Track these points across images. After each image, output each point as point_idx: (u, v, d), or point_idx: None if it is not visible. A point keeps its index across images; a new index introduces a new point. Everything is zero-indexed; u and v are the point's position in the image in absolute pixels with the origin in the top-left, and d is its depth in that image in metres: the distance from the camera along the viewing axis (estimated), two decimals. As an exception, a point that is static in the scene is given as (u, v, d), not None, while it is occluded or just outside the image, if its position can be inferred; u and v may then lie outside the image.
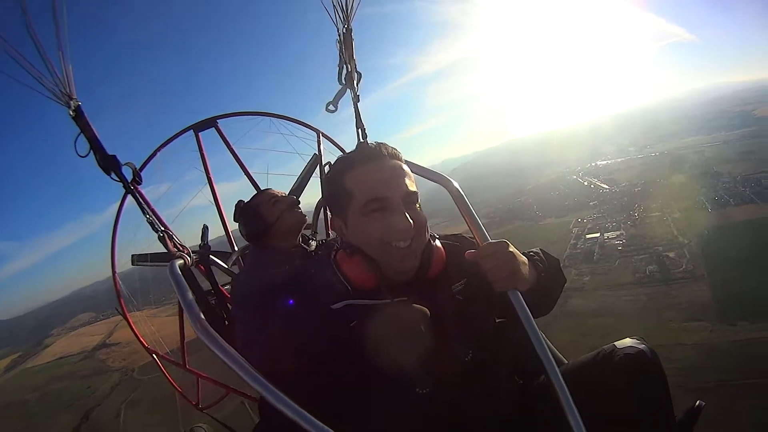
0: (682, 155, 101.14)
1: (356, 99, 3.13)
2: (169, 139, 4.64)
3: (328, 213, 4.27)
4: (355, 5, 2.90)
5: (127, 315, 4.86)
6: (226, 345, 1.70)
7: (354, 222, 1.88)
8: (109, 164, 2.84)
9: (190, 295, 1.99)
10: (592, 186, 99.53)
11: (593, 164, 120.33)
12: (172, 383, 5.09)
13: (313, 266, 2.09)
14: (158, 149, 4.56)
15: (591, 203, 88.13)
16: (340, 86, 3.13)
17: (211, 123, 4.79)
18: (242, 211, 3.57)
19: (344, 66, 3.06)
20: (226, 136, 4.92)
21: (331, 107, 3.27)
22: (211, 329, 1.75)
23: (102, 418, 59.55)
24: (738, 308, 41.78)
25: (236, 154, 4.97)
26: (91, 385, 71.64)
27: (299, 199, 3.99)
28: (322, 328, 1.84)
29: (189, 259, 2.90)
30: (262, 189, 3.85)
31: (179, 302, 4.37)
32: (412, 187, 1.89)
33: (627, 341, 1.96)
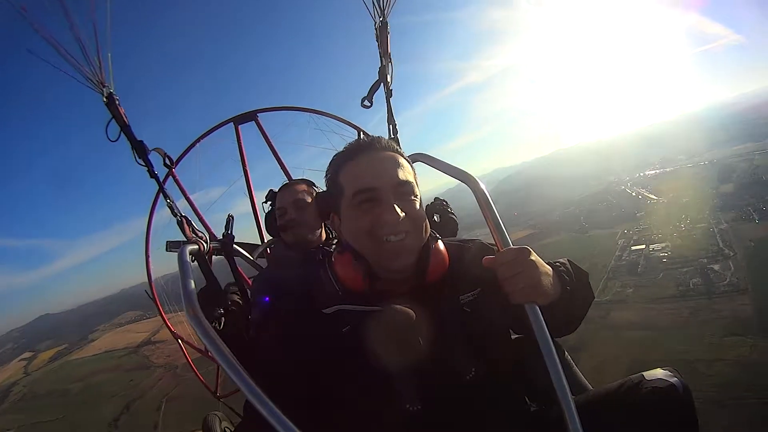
0: (731, 164, 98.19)
1: (389, 94, 3.15)
2: (209, 131, 4.67)
3: None
4: None
5: (157, 299, 4.75)
6: (214, 334, 1.64)
7: (345, 216, 1.81)
8: (137, 149, 2.97)
9: (190, 280, 1.94)
10: (640, 197, 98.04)
11: (642, 174, 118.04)
12: (192, 368, 5.20)
13: (317, 266, 2.01)
14: (198, 140, 4.60)
15: (638, 214, 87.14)
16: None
17: (251, 116, 4.79)
18: (270, 200, 3.62)
19: (380, 60, 3.08)
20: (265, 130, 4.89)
21: (366, 102, 3.30)
22: (203, 317, 1.71)
23: (143, 410, 62.58)
24: None
25: (274, 149, 4.95)
26: (134, 379, 75.28)
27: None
28: (313, 333, 1.77)
29: (204, 245, 2.90)
30: (300, 179, 3.71)
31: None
32: (406, 178, 1.78)
33: (658, 372, 1.71)
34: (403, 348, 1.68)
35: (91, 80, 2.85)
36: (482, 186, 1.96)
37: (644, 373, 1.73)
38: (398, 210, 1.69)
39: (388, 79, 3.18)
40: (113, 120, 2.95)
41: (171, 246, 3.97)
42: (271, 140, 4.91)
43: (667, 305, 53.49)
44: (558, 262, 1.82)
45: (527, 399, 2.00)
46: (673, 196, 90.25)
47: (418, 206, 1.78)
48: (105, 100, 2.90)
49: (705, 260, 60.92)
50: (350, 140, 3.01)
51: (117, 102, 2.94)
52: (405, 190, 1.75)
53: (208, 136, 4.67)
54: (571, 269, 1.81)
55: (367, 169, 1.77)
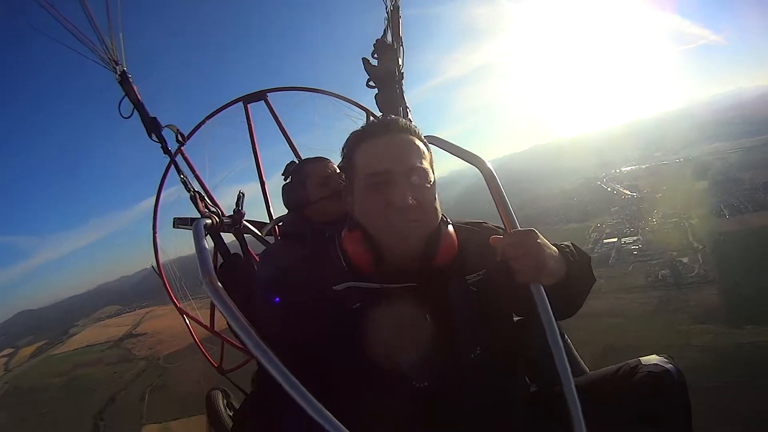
0: (706, 161, 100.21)
1: (401, 77, 3.18)
2: (218, 109, 4.67)
3: None
4: None
5: (163, 273, 4.77)
6: (232, 304, 1.64)
7: (357, 196, 1.86)
8: (150, 126, 3.02)
9: (206, 251, 1.95)
10: (614, 192, 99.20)
11: (617, 170, 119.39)
12: (197, 343, 5.24)
13: (326, 241, 2.06)
14: (207, 118, 4.58)
15: (612, 209, 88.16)
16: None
17: (260, 96, 4.79)
18: (292, 174, 3.57)
19: (392, 43, 3.12)
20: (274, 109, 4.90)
21: (371, 83, 3.31)
22: (219, 285, 1.70)
23: (127, 402, 62.57)
24: (746, 312, 42.83)
25: (284, 128, 4.96)
26: (117, 371, 75.36)
27: None
28: (323, 308, 1.81)
29: (218, 220, 2.96)
30: (320, 157, 3.75)
31: (213, 265, 4.64)
32: (420, 163, 1.82)
33: (653, 358, 1.84)
34: (411, 326, 1.76)
35: (104, 59, 2.97)
36: (492, 169, 2.03)
37: (641, 359, 1.87)
38: (409, 195, 1.75)
39: (400, 63, 3.22)
40: (126, 98, 3.09)
41: (179, 222, 4.09)
42: (280, 120, 4.93)
43: (636, 295, 54.99)
44: (563, 244, 1.88)
45: (528, 379, 2.13)
46: (647, 192, 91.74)
47: (430, 191, 1.85)
48: (118, 78, 3.03)
49: (675, 253, 62.61)
50: (359, 121, 3.33)
51: (130, 80, 3.08)
52: (418, 174, 1.81)
53: (216, 116, 4.67)
54: (575, 251, 1.88)
55: (382, 151, 1.83)
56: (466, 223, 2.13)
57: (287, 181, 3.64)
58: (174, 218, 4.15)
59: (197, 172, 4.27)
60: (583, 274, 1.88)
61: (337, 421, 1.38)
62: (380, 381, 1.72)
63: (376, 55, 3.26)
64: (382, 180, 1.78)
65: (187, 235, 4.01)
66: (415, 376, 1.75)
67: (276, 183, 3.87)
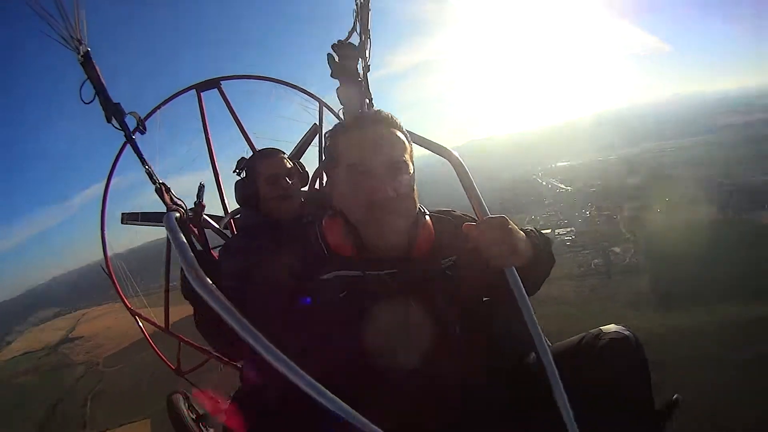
0: (641, 159, 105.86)
1: (367, 69, 3.23)
2: (170, 97, 4.66)
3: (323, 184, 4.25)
4: None
5: (112, 273, 4.83)
6: (224, 298, 1.62)
7: (338, 186, 1.97)
8: (114, 112, 2.89)
9: (186, 244, 1.91)
10: (549, 186, 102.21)
11: (553, 165, 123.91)
12: (152, 346, 5.23)
13: (306, 228, 2.16)
14: (158, 107, 4.56)
15: (546, 202, 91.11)
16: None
17: (214, 83, 4.82)
18: (244, 170, 3.69)
19: (359, 36, 3.18)
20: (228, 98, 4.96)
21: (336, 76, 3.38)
22: (208, 280, 1.68)
23: (69, 410, 59.32)
24: (675, 298, 45.54)
25: (237, 117, 5.03)
26: (55, 378, 71.61)
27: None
28: (312, 298, 1.89)
29: (185, 213, 2.88)
30: (272, 149, 3.83)
31: (166, 261, 4.48)
32: (401, 156, 1.93)
33: (612, 327, 2.00)
34: (397, 311, 1.86)
35: (65, 38, 2.70)
36: (461, 161, 2.25)
37: (601, 328, 2.03)
38: (391, 187, 1.85)
39: (367, 55, 3.22)
40: (88, 81, 2.81)
41: (128, 218, 4.31)
42: (234, 109, 5.00)
43: (568, 283, 56.04)
44: (528, 228, 2.02)
45: (503, 354, 2.21)
46: (582, 186, 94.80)
47: (410, 183, 1.95)
48: (81, 59, 2.76)
49: (606, 243, 65.16)
50: (312, 111, 3.94)
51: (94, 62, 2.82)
52: (398, 167, 1.91)
53: (168, 104, 4.66)
54: (538, 235, 2.06)
55: (366, 143, 1.91)
56: (437, 212, 2.25)
57: (240, 177, 3.68)
58: (122, 213, 4.37)
59: (148, 163, 3.96)
60: (546, 255, 2.07)
61: (352, 409, 1.45)
62: (373, 366, 1.80)
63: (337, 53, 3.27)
64: (365, 171, 1.87)
65: (128, 229, 4.35)
66: (406, 358, 1.83)
67: (227, 172, 4.06)
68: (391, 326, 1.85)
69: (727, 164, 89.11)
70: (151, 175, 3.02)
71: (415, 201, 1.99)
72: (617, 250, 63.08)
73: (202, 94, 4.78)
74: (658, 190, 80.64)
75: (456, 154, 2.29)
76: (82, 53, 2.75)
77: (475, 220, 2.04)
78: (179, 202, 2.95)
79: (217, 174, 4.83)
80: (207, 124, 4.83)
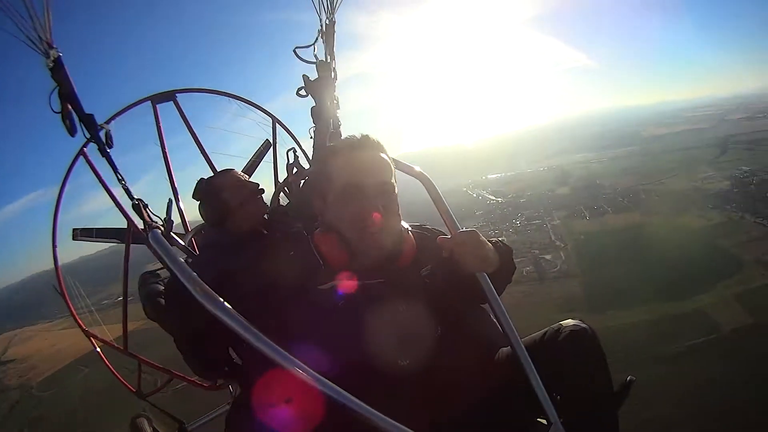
0: (569, 170, 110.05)
1: (333, 90, 3.36)
2: (125, 108, 4.50)
3: (285, 198, 4.35)
4: None
5: (65, 293, 4.76)
6: (234, 312, 1.70)
7: (332, 204, 2.10)
8: (87, 124, 2.72)
9: (181, 260, 1.91)
10: (480, 197, 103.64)
11: (483, 177, 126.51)
12: (110, 369, 5.05)
13: (290, 244, 2.33)
14: (113, 117, 4.35)
15: (477, 213, 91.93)
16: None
17: (169, 96, 4.77)
18: (205, 192, 3.63)
19: (325, 58, 3.30)
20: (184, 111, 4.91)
21: (302, 92, 3.52)
22: (215, 294, 1.73)
23: None
24: (607, 300, 48.04)
25: (193, 130, 4.96)
26: None
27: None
28: (313, 308, 2.01)
29: (163, 230, 2.74)
30: (226, 169, 3.90)
31: (124, 283, 4.56)
32: (389, 179, 2.11)
33: (570, 321, 2.14)
34: (388, 316, 2.00)
35: (34, 40, 2.48)
36: (433, 182, 2.43)
37: (561, 323, 2.14)
38: (380, 207, 1.99)
39: (332, 76, 3.37)
40: (57, 89, 2.55)
41: (81, 234, 4.30)
42: (189, 122, 4.90)
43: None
44: (494, 240, 2.27)
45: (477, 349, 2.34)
46: (512, 197, 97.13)
47: (396, 202, 2.13)
48: (50, 65, 2.52)
49: (537, 251, 66.84)
50: (265, 127, 4.47)
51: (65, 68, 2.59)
52: (387, 189, 2.07)
53: (123, 115, 4.46)
54: (503, 246, 2.30)
55: (358, 166, 2.05)
56: (414, 226, 2.41)
57: (201, 200, 3.65)
58: (74, 229, 4.35)
59: (102, 178, 4.07)
60: (509, 263, 2.33)
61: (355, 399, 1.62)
62: (371, 366, 1.91)
63: (303, 92, 3.51)
64: (358, 192, 2.02)
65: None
66: (399, 356, 1.98)
67: (184, 187, 4.01)
68: (385, 330, 1.96)
69: (653, 173, 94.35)
70: (128, 192, 2.89)
71: (399, 218, 2.16)
72: (548, 257, 64.85)
73: (158, 106, 4.67)
74: (586, 198, 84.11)
75: (427, 174, 2.46)
76: (53, 58, 2.49)
77: (445, 234, 2.27)
78: (156, 219, 2.80)
79: (175, 189, 4.60)
80: (163, 136, 4.74)
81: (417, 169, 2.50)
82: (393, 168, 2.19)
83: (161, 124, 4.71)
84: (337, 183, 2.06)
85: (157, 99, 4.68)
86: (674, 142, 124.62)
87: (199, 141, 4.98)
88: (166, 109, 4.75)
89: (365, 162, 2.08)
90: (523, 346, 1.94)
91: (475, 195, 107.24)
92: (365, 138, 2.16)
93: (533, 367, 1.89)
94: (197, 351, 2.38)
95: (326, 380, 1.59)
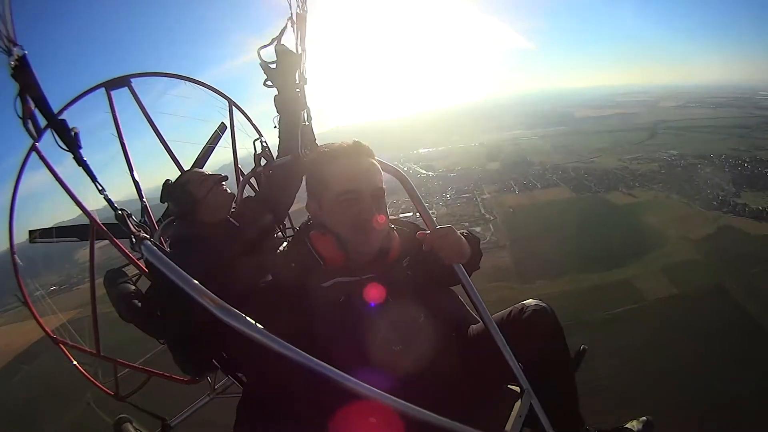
0: (500, 146, 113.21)
1: (304, 81, 3.40)
2: (77, 97, 4.28)
3: (251, 191, 4.35)
4: None
5: (30, 303, 4.58)
6: (251, 320, 1.63)
7: (329, 207, 2.18)
8: (59, 130, 2.40)
9: (184, 272, 1.75)
10: (410, 171, 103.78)
11: (415, 152, 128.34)
12: (85, 375, 4.77)
13: (289, 246, 2.41)
14: (64, 108, 4.12)
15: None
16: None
17: (123, 81, 4.57)
18: (170, 190, 3.66)
19: (296, 48, 3.31)
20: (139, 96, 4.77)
21: (269, 83, 3.48)
22: (226, 304, 1.64)
23: None
24: (536, 271, 49.76)
25: (149, 116, 4.81)
26: None
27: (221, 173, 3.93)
28: (316, 304, 2.14)
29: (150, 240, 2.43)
30: (187, 169, 4.09)
31: (91, 282, 4.31)
32: (381, 184, 2.19)
33: (532, 301, 2.44)
34: (382, 306, 2.17)
35: None
36: (411, 182, 2.55)
37: (523, 302, 2.45)
38: (374, 209, 2.12)
39: (302, 68, 3.34)
40: (23, 91, 2.26)
41: (41, 236, 4.46)
42: (146, 108, 4.76)
43: (431, 261, 59.64)
44: (463, 232, 2.43)
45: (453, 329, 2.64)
46: (442, 171, 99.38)
47: (385, 204, 2.23)
48: (14, 64, 2.17)
49: (467, 224, 67.12)
50: (222, 110, 4.62)
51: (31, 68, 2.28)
52: (379, 193, 2.17)
53: (76, 104, 4.23)
54: (472, 237, 2.51)
55: (354, 172, 2.15)
56: (394, 222, 2.52)
57: (168, 197, 3.69)
58: (30, 231, 4.42)
59: (59, 175, 3.85)
60: (478, 251, 2.53)
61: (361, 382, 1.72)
62: (370, 352, 2.10)
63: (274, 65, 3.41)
64: (354, 197, 2.12)
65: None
66: (393, 342, 2.16)
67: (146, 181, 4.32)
68: (381, 320, 2.13)
69: (583, 152, 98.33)
70: (110, 202, 2.74)
71: (388, 217, 2.24)
72: (478, 229, 64.47)
73: (112, 92, 4.47)
74: (516, 174, 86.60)
75: (403, 172, 2.55)
76: (16, 57, 2.14)
77: (422, 228, 2.44)
78: (140, 228, 2.54)
79: (137, 183, 4.40)
80: (119, 125, 4.52)
81: (395, 167, 2.55)
82: (382, 173, 2.28)
83: (117, 112, 4.51)
84: (335, 189, 2.14)
85: (111, 85, 4.47)
86: (605, 124, 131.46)
87: (156, 128, 4.89)
88: (121, 96, 4.60)
89: (361, 169, 2.16)
90: (495, 324, 2.21)
91: (405, 168, 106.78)
92: (358, 145, 2.23)
93: (504, 341, 2.17)
94: (194, 352, 2.75)
95: (344, 373, 1.65)
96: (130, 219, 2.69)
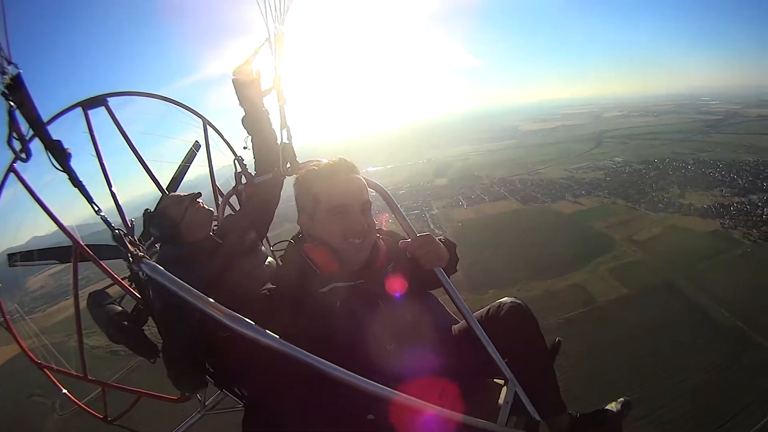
0: (448, 162, 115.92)
1: (283, 101, 3.24)
2: (53, 117, 4.21)
3: (228, 209, 4.44)
4: (288, 6, 2.90)
5: (13, 329, 4.48)
6: (262, 329, 1.77)
7: (320, 221, 2.32)
8: (56, 154, 2.32)
9: (189, 287, 1.83)
10: None
11: (364, 170, 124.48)
12: (73, 400, 4.76)
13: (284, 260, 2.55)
14: (44, 126, 3.61)
15: None
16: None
17: (100, 101, 4.47)
18: (151, 218, 3.72)
19: (274, 70, 3.21)
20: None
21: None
22: (237, 314, 1.76)
23: None
24: (487, 281, 50.34)
25: (126, 135, 4.74)
26: None
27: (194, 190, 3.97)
28: (316, 309, 2.23)
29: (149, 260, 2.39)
30: (162, 195, 3.99)
31: (75, 304, 4.30)
32: (368, 197, 2.39)
33: (507, 299, 2.67)
34: (375, 308, 2.34)
35: None
36: (390, 194, 2.78)
37: (500, 300, 2.69)
38: (362, 221, 2.29)
39: (280, 88, 3.19)
40: (17, 111, 2.16)
41: (22, 258, 4.22)
42: (123, 127, 4.71)
43: (380, 277, 61.08)
44: (441, 238, 2.67)
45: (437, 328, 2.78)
46: (391, 189, 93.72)
47: (372, 217, 2.39)
48: (7, 83, 2.11)
49: None
50: (197, 129, 4.76)
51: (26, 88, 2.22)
52: (366, 206, 2.35)
53: (52, 124, 4.10)
54: (449, 242, 2.72)
55: (343, 188, 2.31)
56: (379, 232, 2.67)
57: (151, 226, 3.73)
58: (9, 255, 4.22)
59: (38, 195, 3.78)
60: (455, 255, 2.75)
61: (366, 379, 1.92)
62: (367, 352, 2.25)
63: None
64: (345, 212, 2.28)
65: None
66: (387, 342, 2.34)
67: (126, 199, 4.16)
68: (375, 322, 2.29)
69: (529, 164, 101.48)
70: (106, 220, 2.65)
71: (375, 229, 2.41)
72: (426, 246, 66.59)
73: (89, 112, 4.37)
74: (464, 189, 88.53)
75: (382, 186, 2.76)
76: (11, 77, 2.08)
77: (403, 238, 2.61)
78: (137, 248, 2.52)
79: (118, 201, 4.09)
80: (98, 144, 4.38)
81: (376, 183, 2.73)
82: (367, 186, 2.45)
83: (94, 131, 4.38)
84: (325, 204, 2.28)
85: (88, 104, 4.37)
86: (550, 137, 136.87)
87: (134, 147, 4.85)
88: (98, 115, 4.46)
89: (349, 185, 2.32)
90: (477, 321, 2.43)
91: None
92: (343, 162, 2.39)
93: (486, 336, 2.40)
94: (196, 366, 2.94)
95: (351, 374, 1.84)
96: (127, 238, 2.58)
